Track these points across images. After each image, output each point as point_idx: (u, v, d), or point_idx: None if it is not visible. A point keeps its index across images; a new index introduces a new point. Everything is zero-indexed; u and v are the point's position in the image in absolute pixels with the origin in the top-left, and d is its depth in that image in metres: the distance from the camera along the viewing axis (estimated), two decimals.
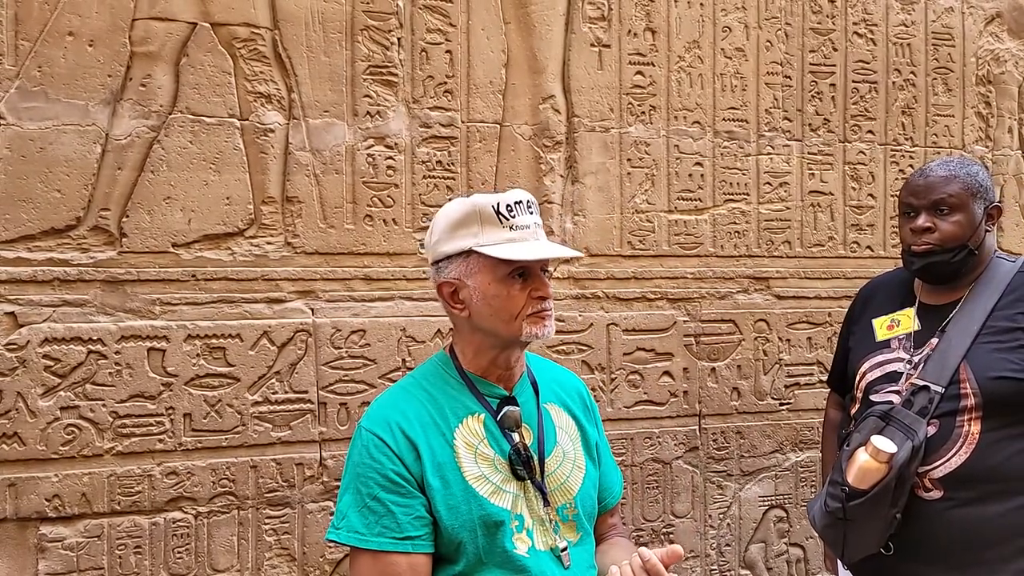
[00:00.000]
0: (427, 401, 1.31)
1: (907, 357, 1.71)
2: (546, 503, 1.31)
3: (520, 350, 1.36)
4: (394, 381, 2.17)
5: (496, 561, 1.25)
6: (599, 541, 1.44)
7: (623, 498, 2.33)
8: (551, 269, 2.33)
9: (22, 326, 1.91)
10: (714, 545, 2.55)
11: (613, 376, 2.43)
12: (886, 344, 1.76)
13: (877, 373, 1.74)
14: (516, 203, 1.29)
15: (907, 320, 1.75)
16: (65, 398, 1.93)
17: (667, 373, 2.49)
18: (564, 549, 1.30)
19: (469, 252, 1.27)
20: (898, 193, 1.79)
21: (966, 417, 1.60)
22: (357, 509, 1.25)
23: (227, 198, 2.07)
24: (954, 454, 1.60)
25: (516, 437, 1.31)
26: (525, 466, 1.29)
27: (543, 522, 1.30)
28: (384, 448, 1.25)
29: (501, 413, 1.31)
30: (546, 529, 1.30)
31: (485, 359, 1.33)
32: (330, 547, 2.13)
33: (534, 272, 1.30)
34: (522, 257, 1.25)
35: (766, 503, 2.61)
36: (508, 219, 1.27)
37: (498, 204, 1.27)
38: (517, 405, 1.33)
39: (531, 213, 1.30)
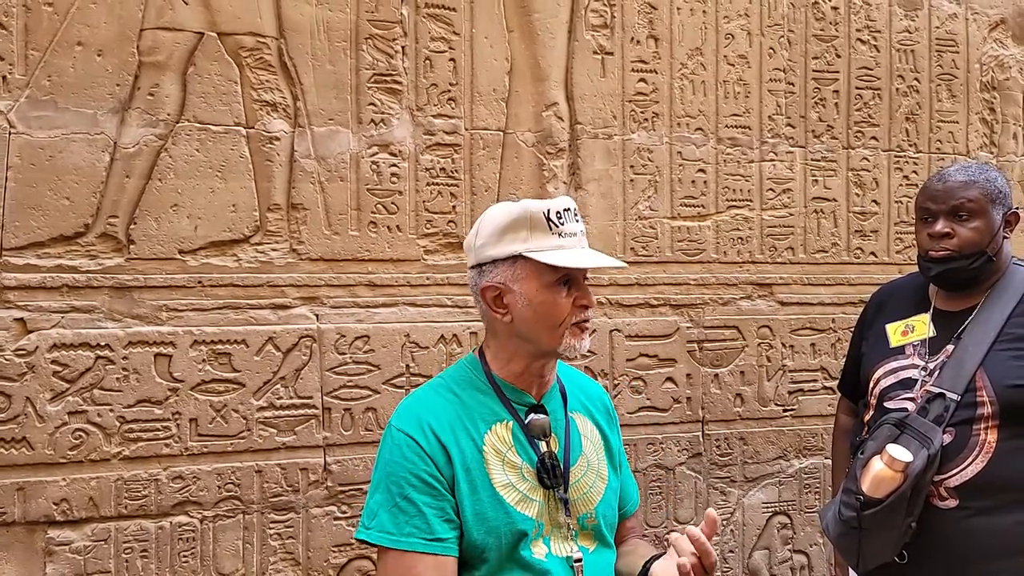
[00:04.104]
0: (456, 405, 1.31)
1: (922, 364, 1.69)
2: (567, 512, 1.30)
3: (554, 359, 1.35)
4: (398, 387, 2.19)
5: (515, 566, 1.26)
6: (619, 543, 1.43)
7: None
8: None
9: (31, 332, 1.93)
10: (718, 551, 2.55)
11: (616, 382, 2.43)
12: (900, 350, 1.75)
13: (891, 380, 1.73)
14: (564, 210, 1.29)
15: (922, 326, 1.74)
16: (73, 403, 1.96)
17: (670, 379, 2.50)
18: (579, 560, 1.29)
19: (517, 257, 1.27)
20: (915, 198, 1.78)
21: (982, 425, 1.59)
22: (388, 508, 1.24)
23: (233, 205, 2.09)
24: (970, 463, 1.59)
25: (543, 446, 1.30)
26: (551, 475, 1.28)
27: (561, 529, 1.30)
28: (417, 448, 1.25)
29: (528, 421, 1.31)
30: (564, 536, 1.30)
31: (519, 366, 1.33)
32: (334, 551, 2.14)
33: (578, 281, 1.30)
34: (573, 265, 1.26)
35: (770, 509, 2.61)
36: (558, 225, 1.27)
37: (548, 210, 1.27)
38: (546, 413, 1.32)
39: (577, 221, 1.30)
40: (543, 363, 1.33)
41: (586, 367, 2.39)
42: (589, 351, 2.38)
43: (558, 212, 1.27)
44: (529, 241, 1.26)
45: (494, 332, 1.34)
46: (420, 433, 1.26)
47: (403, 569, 1.22)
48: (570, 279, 1.29)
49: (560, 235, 1.27)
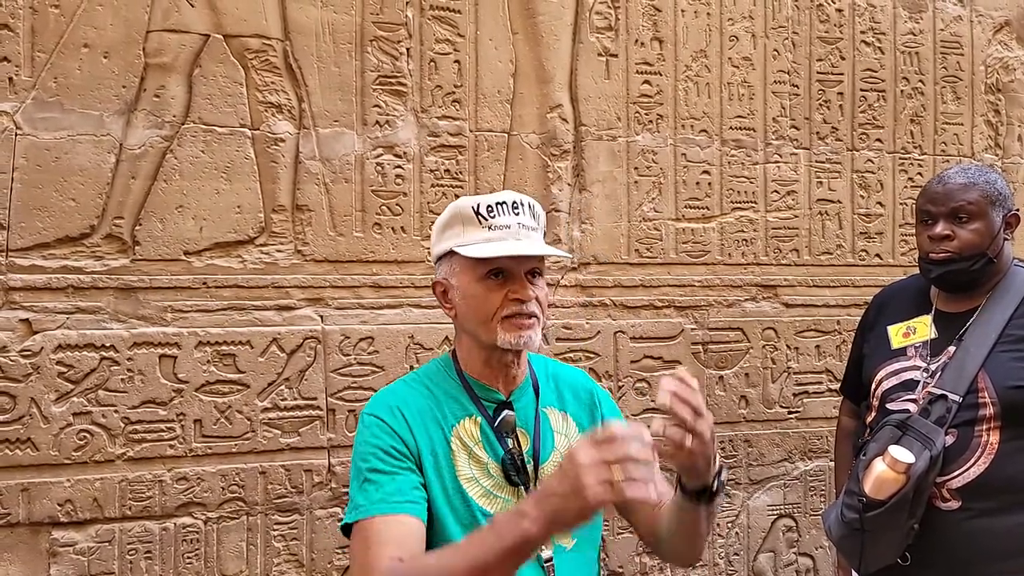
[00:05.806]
0: (427, 397, 1.33)
1: (924, 365, 1.69)
2: None
3: (514, 356, 1.34)
4: None
5: None
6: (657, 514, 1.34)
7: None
8: (559, 278, 2.35)
9: (36, 332, 1.93)
10: (723, 554, 2.54)
11: (620, 384, 2.43)
12: (902, 352, 1.75)
13: (893, 381, 1.73)
14: (498, 204, 1.29)
15: (923, 328, 1.74)
16: (78, 404, 1.96)
17: None
18: (548, 560, 1.27)
19: (452, 252, 1.30)
20: (915, 200, 1.78)
21: (984, 427, 1.59)
22: (359, 488, 1.24)
23: (238, 206, 2.09)
24: (972, 464, 1.59)
25: (511, 443, 1.31)
26: (519, 473, 1.28)
27: None
28: (385, 427, 1.27)
29: (499, 419, 1.31)
30: None
31: (479, 361, 1.34)
32: (338, 553, 2.14)
33: (514, 274, 1.28)
34: (488, 254, 1.25)
35: (775, 512, 2.60)
36: (487, 219, 1.28)
37: (478, 205, 1.29)
38: (514, 410, 1.33)
39: (516, 214, 1.29)
40: (501, 357, 1.32)
41: (591, 368, 2.39)
42: (594, 352, 2.39)
43: (489, 206, 1.29)
44: (462, 236, 1.29)
45: (455, 329, 1.39)
46: (389, 414, 1.28)
47: (372, 532, 1.18)
48: (504, 272, 1.28)
49: (489, 228, 1.28)
